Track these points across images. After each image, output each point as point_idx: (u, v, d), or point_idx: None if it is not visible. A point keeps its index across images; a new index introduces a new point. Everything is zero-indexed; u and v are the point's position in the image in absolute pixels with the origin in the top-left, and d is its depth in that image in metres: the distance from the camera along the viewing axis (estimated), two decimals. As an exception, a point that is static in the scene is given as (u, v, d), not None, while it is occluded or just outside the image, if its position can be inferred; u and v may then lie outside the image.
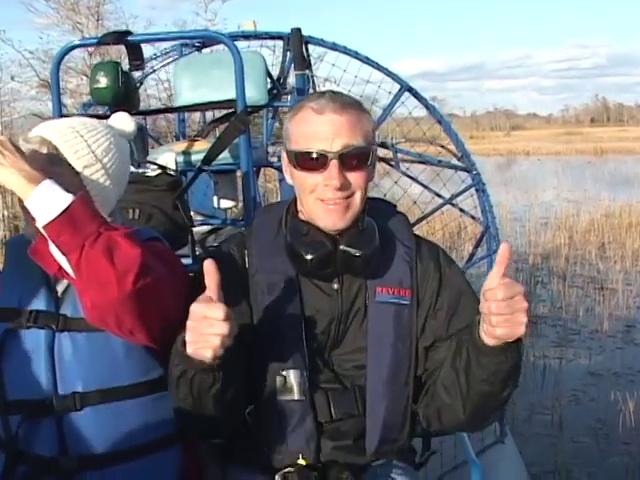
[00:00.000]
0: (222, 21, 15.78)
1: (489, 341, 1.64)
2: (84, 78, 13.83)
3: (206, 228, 3.64)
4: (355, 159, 1.81)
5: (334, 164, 1.78)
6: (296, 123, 1.86)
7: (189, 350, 1.61)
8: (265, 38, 4.53)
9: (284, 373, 1.85)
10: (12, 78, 15.07)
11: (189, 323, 1.57)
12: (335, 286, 1.91)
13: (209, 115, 4.88)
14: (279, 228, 1.96)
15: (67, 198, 1.67)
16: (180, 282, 1.90)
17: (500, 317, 1.57)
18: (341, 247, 1.83)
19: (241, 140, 2.92)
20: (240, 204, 3.75)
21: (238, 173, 3.60)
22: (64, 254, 1.68)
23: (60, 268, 1.76)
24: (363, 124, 1.84)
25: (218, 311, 1.54)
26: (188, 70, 3.93)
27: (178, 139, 4.66)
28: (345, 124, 1.80)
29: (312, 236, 1.85)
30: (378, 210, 2.00)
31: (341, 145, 1.78)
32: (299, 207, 1.94)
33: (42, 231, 1.69)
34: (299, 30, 3.97)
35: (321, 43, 4.21)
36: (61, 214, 1.65)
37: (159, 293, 1.74)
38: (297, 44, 3.95)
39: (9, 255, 2.06)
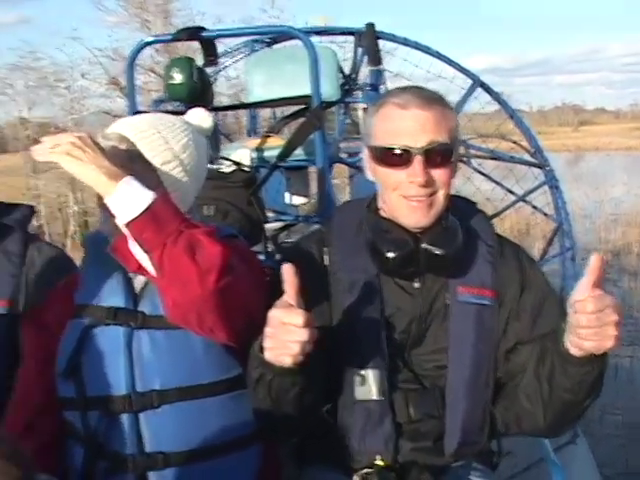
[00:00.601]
0: (290, 17, 15.74)
1: (575, 352, 1.60)
2: (151, 75, 13.97)
3: (278, 225, 3.63)
4: (439, 156, 1.77)
5: (418, 160, 1.74)
6: (379, 119, 1.82)
7: (268, 356, 1.58)
8: (336, 34, 4.51)
9: (363, 372, 1.83)
10: (82, 76, 15.30)
11: (267, 329, 1.54)
12: (416, 285, 1.87)
13: (279, 111, 4.88)
14: (359, 226, 1.93)
15: (149, 196, 1.66)
16: (259, 279, 1.89)
17: (590, 330, 1.52)
18: (423, 245, 1.80)
19: (316, 136, 2.91)
20: (312, 200, 3.74)
21: (310, 169, 3.59)
22: (146, 252, 1.66)
23: (140, 266, 1.75)
24: (447, 120, 1.80)
25: (298, 317, 1.49)
26: (260, 66, 3.94)
27: (250, 135, 4.67)
28: (430, 120, 1.76)
29: (394, 234, 1.81)
30: (459, 208, 1.96)
31: (426, 141, 1.74)
32: (380, 204, 1.91)
33: (123, 229, 1.68)
34: (372, 25, 3.94)
35: (392, 38, 4.17)
36: (144, 212, 1.64)
37: (240, 291, 1.72)
38: (370, 39, 3.93)
39: (88, 252, 2.07)
